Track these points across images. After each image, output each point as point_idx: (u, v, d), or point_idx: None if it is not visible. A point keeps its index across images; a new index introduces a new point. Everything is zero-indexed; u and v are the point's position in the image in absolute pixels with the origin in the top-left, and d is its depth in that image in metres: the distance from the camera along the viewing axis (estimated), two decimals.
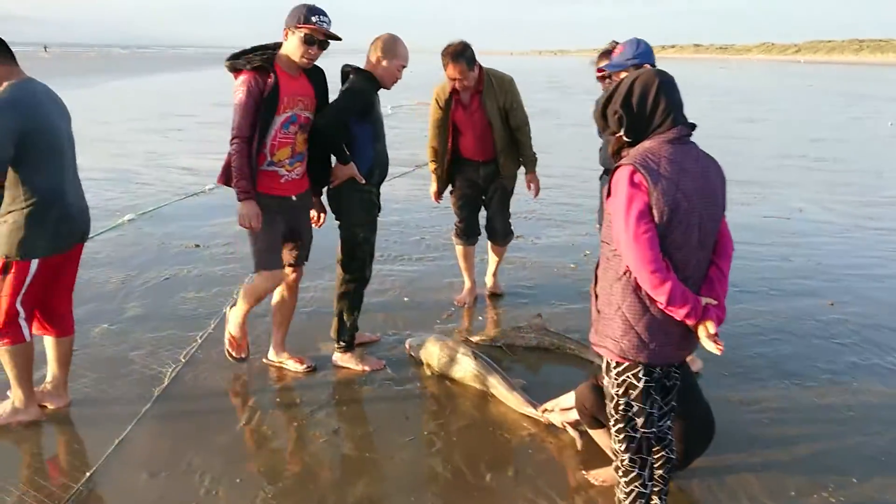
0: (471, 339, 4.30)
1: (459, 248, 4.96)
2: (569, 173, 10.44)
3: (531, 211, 7.79)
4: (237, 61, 3.41)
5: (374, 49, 3.77)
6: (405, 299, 5.08)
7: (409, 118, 17.89)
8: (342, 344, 4.01)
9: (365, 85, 3.72)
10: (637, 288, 2.23)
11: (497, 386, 3.60)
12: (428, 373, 3.89)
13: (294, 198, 3.63)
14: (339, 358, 4.03)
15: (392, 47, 3.75)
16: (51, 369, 3.49)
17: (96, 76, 36.87)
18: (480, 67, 4.53)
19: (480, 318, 4.79)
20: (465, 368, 3.74)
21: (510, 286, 5.33)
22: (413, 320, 4.66)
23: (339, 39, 3.57)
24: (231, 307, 3.88)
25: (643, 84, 2.25)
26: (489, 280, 5.21)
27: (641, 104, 2.24)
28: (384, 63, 3.74)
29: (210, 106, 20.88)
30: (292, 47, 3.45)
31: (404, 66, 3.84)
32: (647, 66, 3.48)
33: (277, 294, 3.91)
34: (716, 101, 27.01)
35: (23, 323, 3.19)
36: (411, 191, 8.83)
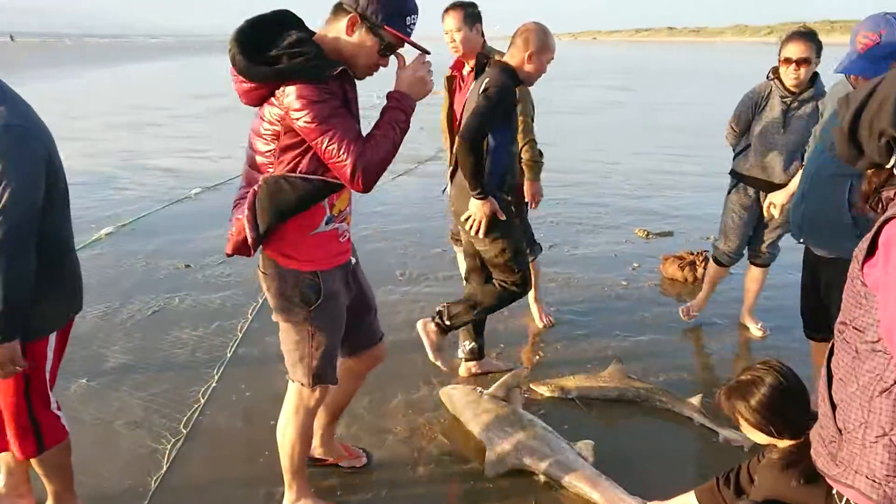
0: (535, 388, 3.53)
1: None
2: (583, 168, 9.69)
3: (556, 214, 7.03)
4: (293, 63, 2.05)
5: (524, 42, 3.16)
6: None
7: None
8: (445, 324, 3.36)
9: (509, 84, 3.13)
10: None
11: (576, 481, 2.73)
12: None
13: (353, 259, 2.56)
14: (425, 328, 3.40)
15: (545, 40, 3.17)
16: (3, 464, 2.58)
17: (67, 67, 35.42)
18: (484, 42, 3.80)
19: (539, 356, 4.01)
20: (521, 449, 2.89)
21: (559, 312, 4.56)
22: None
23: (428, 53, 2.31)
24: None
25: None
26: (534, 308, 4.43)
27: None
28: (536, 59, 3.17)
29: (187, 98, 19.82)
30: (360, 49, 2.15)
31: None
32: None
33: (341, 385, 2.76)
34: (711, 84, 26.42)
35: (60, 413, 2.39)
36: (420, 191, 8.03)
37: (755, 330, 4.31)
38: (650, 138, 12.71)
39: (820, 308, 3.03)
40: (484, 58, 3.53)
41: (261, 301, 4.66)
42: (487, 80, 3.14)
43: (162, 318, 4.43)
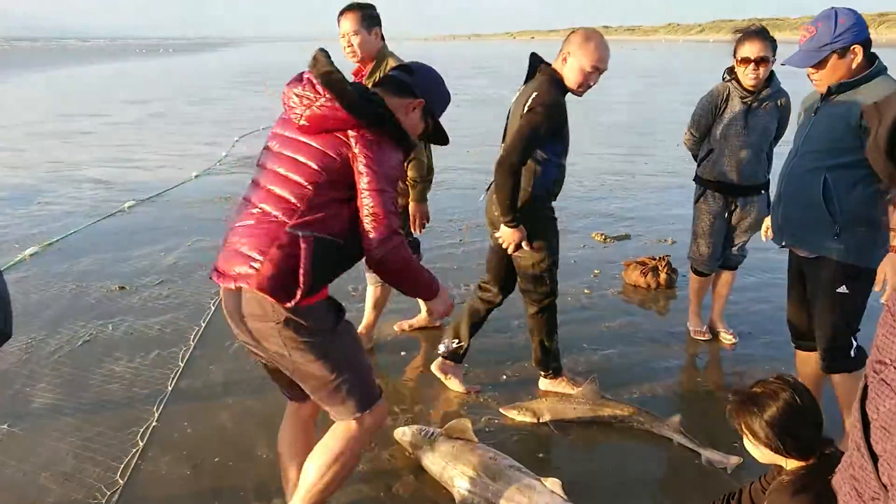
0: (506, 413, 3.31)
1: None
2: None
3: None
4: (390, 116, 2.12)
5: (564, 44, 3.11)
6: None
7: None
8: (550, 371, 3.54)
9: (556, 97, 3.08)
10: None
11: None
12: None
13: None
14: (549, 384, 3.55)
15: (582, 43, 3.07)
16: None
17: None
18: (383, 47, 3.61)
19: (506, 375, 3.79)
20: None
21: (522, 326, 4.35)
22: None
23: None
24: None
25: None
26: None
27: None
28: (570, 63, 3.10)
29: (120, 103, 19.03)
30: (412, 129, 2.30)
31: (601, 71, 3.17)
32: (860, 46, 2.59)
33: (290, 430, 2.54)
34: (651, 83, 26.79)
35: None
36: None
37: (725, 336, 4.18)
38: (598, 138, 12.67)
39: (807, 315, 2.93)
40: (382, 61, 3.46)
41: (203, 325, 4.33)
42: (535, 94, 3.00)
43: (94, 349, 4.04)
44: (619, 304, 4.79)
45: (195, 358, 3.94)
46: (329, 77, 2.07)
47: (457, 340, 3.52)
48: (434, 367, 3.62)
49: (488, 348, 4.07)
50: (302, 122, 2.08)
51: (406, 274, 2.20)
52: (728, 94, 3.73)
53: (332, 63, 2.13)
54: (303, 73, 2.16)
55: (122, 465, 2.94)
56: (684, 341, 4.23)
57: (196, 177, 8.80)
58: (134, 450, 3.05)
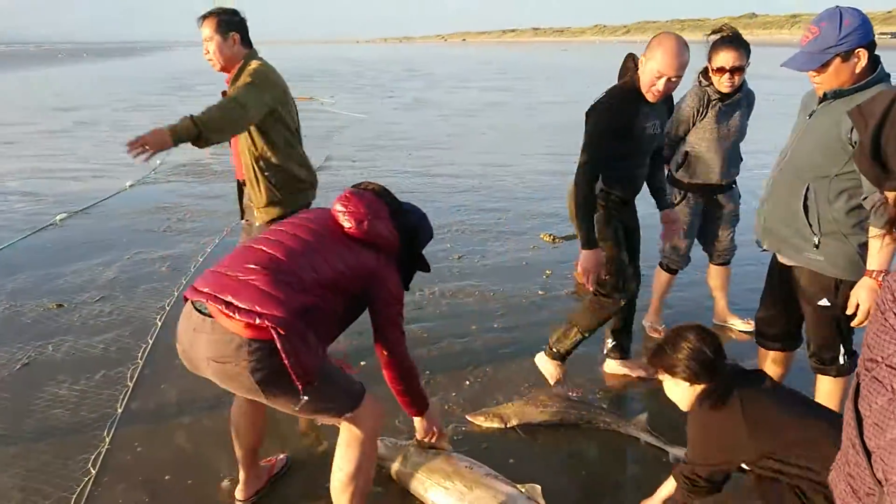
0: (472, 420, 3.27)
1: None
2: (478, 171, 9.57)
3: (459, 222, 6.84)
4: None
5: (649, 51, 3.05)
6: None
7: None
8: (554, 351, 3.55)
9: (608, 104, 3.12)
10: None
11: None
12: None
13: None
14: (543, 361, 3.62)
15: (654, 47, 3.02)
16: None
17: None
18: (248, 53, 3.36)
19: (468, 381, 3.75)
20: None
21: (481, 330, 4.34)
22: None
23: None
24: None
25: None
26: None
27: None
28: (643, 67, 3.08)
29: (47, 111, 18.24)
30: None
31: (668, 77, 3.02)
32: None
33: (242, 415, 2.63)
34: (584, 83, 27.26)
35: None
36: None
37: (741, 325, 4.31)
38: (536, 139, 12.81)
39: (778, 318, 2.96)
40: (245, 67, 3.26)
41: (151, 342, 4.16)
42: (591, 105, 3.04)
43: (34, 373, 3.82)
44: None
45: (145, 377, 3.77)
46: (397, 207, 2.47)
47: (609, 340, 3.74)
48: (617, 365, 3.76)
49: (448, 354, 4.03)
50: (353, 229, 2.26)
51: (407, 376, 2.45)
52: (707, 100, 3.79)
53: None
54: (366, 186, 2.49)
55: (75, 496, 2.78)
56: (640, 339, 4.28)
57: (131, 186, 8.48)
58: (86, 478, 2.89)
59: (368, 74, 35.98)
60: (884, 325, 1.40)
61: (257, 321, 1.97)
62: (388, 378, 2.42)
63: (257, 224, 3.43)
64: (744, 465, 2.22)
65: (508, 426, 3.22)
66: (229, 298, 2.02)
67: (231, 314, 1.99)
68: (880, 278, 2.50)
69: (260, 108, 3.15)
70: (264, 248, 2.17)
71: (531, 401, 3.35)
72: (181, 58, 70.44)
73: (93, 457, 3.03)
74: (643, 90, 3.08)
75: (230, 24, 3.30)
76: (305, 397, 2.09)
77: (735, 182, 4.07)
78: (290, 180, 3.41)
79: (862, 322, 2.56)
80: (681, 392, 2.29)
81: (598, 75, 32.59)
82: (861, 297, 2.54)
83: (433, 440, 2.72)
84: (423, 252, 2.57)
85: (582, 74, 33.90)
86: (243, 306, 2.00)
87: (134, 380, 3.71)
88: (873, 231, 2.49)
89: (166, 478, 2.91)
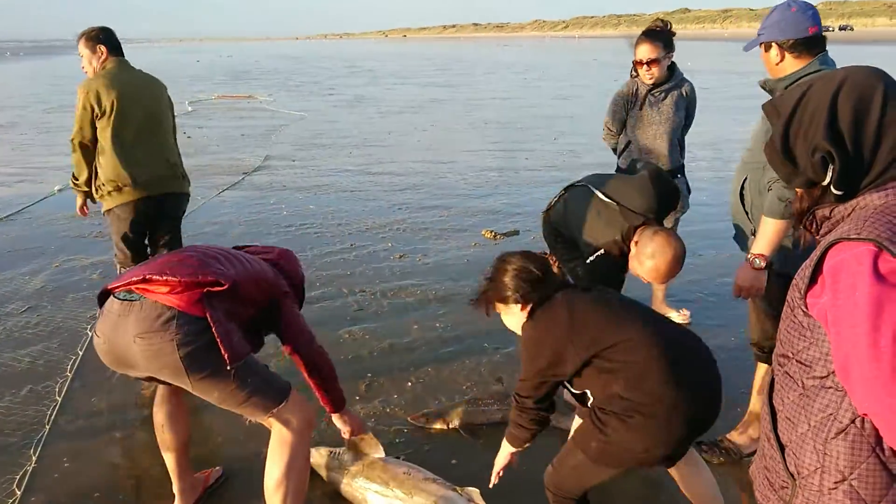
0: (414, 422, 3.25)
1: None
2: (418, 169, 9.54)
3: (400, 220, 6.81)
4: None
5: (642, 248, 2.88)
6: None
7: (213, 115, 16.03)
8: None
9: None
10: (879, 447, 1.32)
11: None
12: None
13: None
14: None
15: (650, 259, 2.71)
16: None
17: None
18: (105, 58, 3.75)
19: (410, 382, 3.72)
20: None
21: (423, 329, 4.32)
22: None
23: None
24: None
25: (858, 94, 1.33)
26: None
27: (859, 130, 1.32)
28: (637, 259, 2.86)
29: None
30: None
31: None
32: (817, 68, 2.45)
33: (166, 416, 2.60)
34: (524, 79, 27.48)
35: None
36: (250, 206, 7.45)
37: (677, 317, 4.37)
38: (477, 135, 12.84)
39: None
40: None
41: (81, 353, 4.01)
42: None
43: None
44: None
45: (74, 390, 3.63)
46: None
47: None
48: None
49: (390, 354, 4.00)
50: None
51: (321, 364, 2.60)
52: (636, 90, 3.97)
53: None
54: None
55: None
56: None
57: (59, 191, 8.14)
58: (11, 500, 2.76)
59: (308, 71, 35.54)
60: (793, 322, 1.43)
61: (199, 278, 2.14)
62: (304, 373, 2.54)
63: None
64: (569, 386, 2.24)
65: (451, 427, 3.21)
66: (166, 275, 2.14)
67: (172, 278, 2.12)
68: (755, 262, 2.58)
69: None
70: (185, 251, 2.35)
71: (473, 401, 3.34)
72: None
73: (17, 477, 2.90)
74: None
75: (96, 38, 3.72)
76: (232, 381, 2.14)
77: (682, 172, 4.15)
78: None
79: (736, 297, 2.71)
80: (517, 320, 2.28)
81: (535, 71, 32.93)
82: (737, 275, 2.65)
83: (354, 437, 2.75)
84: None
85: (520, 70, 34.14)
86: (185, 273, 2.14)
87: (62, 394, 3.57)
88: (768, 219, 2.54)
89: (96, 495, 2.81)
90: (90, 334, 4.25)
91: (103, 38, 3.74)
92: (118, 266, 3.78)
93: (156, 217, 3.75)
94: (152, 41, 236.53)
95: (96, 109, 3.55)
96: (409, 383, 3.70)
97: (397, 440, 3.14)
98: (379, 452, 2.74)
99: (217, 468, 2.89)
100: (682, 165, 4.15)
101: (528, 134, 12.76)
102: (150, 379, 2.32)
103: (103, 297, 2.31)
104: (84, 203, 3.81)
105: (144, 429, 3.24)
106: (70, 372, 3.80)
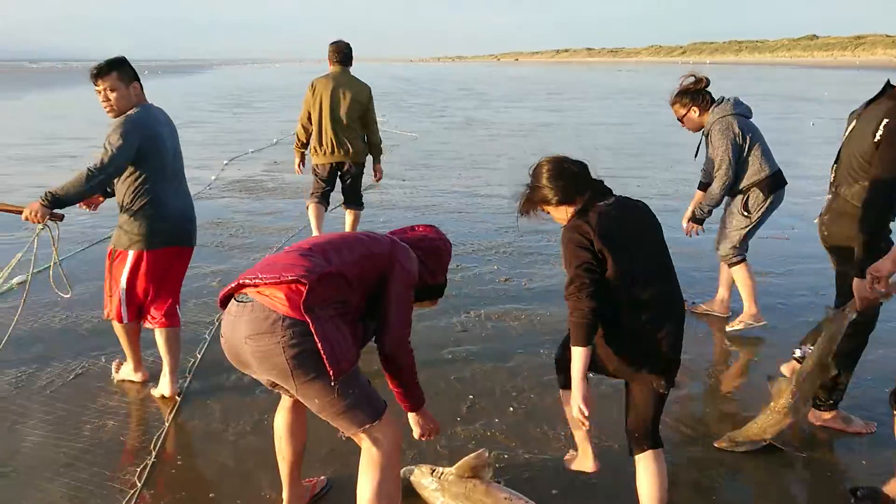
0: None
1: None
2: None
3: (507, 244, 6.81)
4: None
5: None
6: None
7: None
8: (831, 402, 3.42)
9: None
10: None
11: None
12: None
13: None
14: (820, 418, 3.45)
15: None
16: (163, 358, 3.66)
17: None
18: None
19: (512, 407, 3.69)
20: None
21: (528, 354, 4.29)
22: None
23: None
24: None
25: None
26: None
27: None
28: None
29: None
30: None
31: None
32: None
33: (285, 426, 2.68)
34: (638, 104, 27.05)
35: (125, 308, 3.59)
36: None
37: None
38: (588, 160, 12.66)
39: None
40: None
41: (200, 356, 4.23)
42: (886, 120, 2.91)
43: (87, 382, 3.93)
44: None
45: (192, 391, 3.83)
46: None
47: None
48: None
49: (492, 378, 3.99)
50: None
51: (404, 355, 2.46)
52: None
53: None
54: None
55: None
56: (691, 368, 4.17)
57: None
58: (132, 491, 2.93)
59: (421, 93, 36.32)
60: None
61: (283, 277, 2.19)
62: (384, 364, 2.46)
63: None
64: None
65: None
66: (258, 276, 2.24)
67: (261, 282, 2.22)
68: None
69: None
70: (291, 248, 2.41)
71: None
72: (224, 76, 72.26)
73: (139, 470, 3.07)
74: None
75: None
76: (333, 390, 2.19)
77: (740, 192, 4.54)
78: None
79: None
80: (559, 215, 2.54)
81: (652, 97, 32.26)
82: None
83: (430, 437, 2.70)
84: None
85: (635, 96, 33.58)
86: (270, 276, 2.22)
87: (182, 394, 3.77)
88: None
89: (210, 495, 2.93)
90: (208, 338, 4.49)
91: (333, 53, 6.00)
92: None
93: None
94: (274, 61, 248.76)
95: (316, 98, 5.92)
96: (511, 408, 3.67)
97: (497, 465, 3.11)
98: (487, 475, 2.73)
99: (322, 478, 2.96)
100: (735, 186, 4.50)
101: (640, 160, 12.51)
102: (273, 385, 2.41)
103: (225, 301, 2.41)
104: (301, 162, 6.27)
105: (255, 433, 3.38)
106: (189, 373, 4.01)
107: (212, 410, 3.63)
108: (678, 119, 4.60)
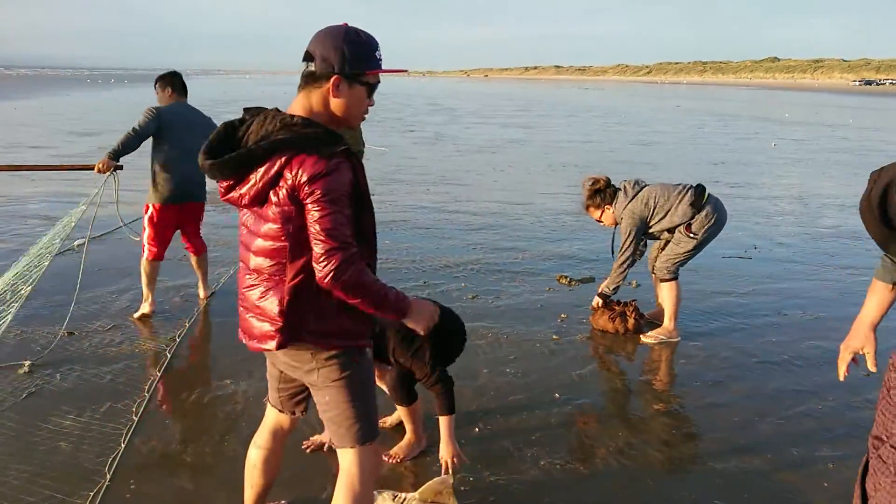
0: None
1: None
2: (494, 209, 9.55)
3: (475, 260, 6.79)
4: (303, 133, 2.00)
5: None
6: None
7: None
8: None
9: None
10: None
11: None
12: None
13: None
14: None
15: None
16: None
17: None
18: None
19: (478, 428, 3.65)
20: None
21: (493, 374, 4.26)
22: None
23: (405, 71, 2.48)
24: None
25: None
26: None
27: None
28: None
29: (66, 135, 18.56)
30: (352, 101, 2.10)
31: None
32: None
33: (261, 458, 2.56)
34: (604, 122, 27.39)
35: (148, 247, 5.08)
36: None
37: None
38: (556, 178, 12.80)
39: None
40: None
41: (159, 374, 4.12)
42: None
43: (40, 401, 3.79)
44: (588, 351, 4.73)
45: (150, 411, 3.72)
46: (207, 165, 2.04)
47: None
48: None
49: (458, 397, 3.94)
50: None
51: (367, 293, 2.02)
52: None
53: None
54: None
55: None
56: (657, 389, 4.19)
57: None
58: None
59: (390, 107, 36.33)
60: (888, 403, 1.34)
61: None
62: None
63: None
64: None
65: None
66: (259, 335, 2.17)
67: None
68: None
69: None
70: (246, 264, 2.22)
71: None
72: (205, 85, 71.63)
73: (92, 493, 2.97)
74: None
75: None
76: (351, 392, 2.16)
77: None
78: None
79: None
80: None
81: (619, 115, 32.71)
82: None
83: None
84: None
85: (602, 114, 33.99)
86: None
87: (139, 414, 3.67)
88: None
89: None
90: (169, 355, 4.38)
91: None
92: None
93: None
94: (247, 73, 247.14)
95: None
96: (477, 429, 3.64)
97: (462, 488, 3.07)
98: (446, 501, 2.69)
99: (283, 502, 2.89)
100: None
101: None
102: (280, 378, 2.39)
103: None
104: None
105: (214, 455, 3.30)
106: (147, 392, 3.91)
107: (170, 431, 3.54)
108: (597, 220, 5.04)
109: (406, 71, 2.27)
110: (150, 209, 5.11)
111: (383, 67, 2.12)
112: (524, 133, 22.50)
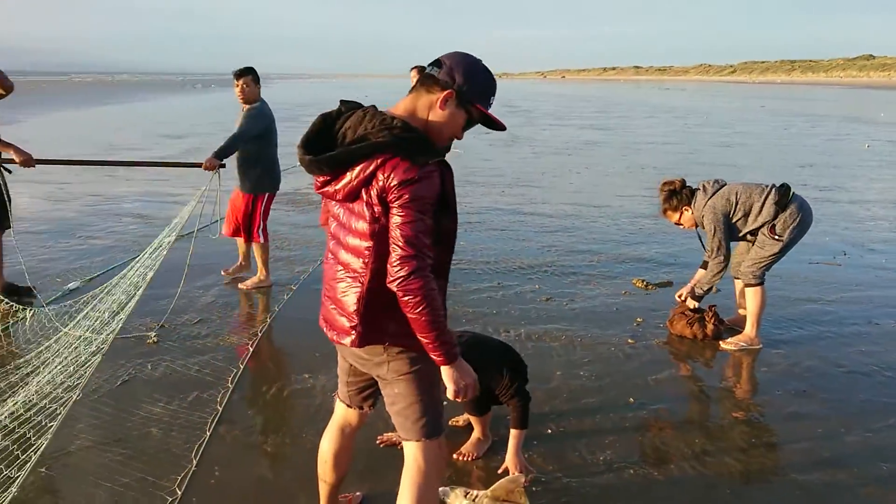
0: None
1: None
2: (570, 212, 9.47)
3: (549, 263, 6.76)
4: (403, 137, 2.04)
5: None
6: None
7: None
8: None
9: None
10: None
11: None
12: None
13: None
14: None
15: None
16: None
17: (36, 106, 34.66)
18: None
19: (549, 430, 3.66)
20: None
21: (566, 377, 4.24)
22: None
23: (504, 129, 2.29)
24: None
25: None
26: None
27: None
28: None
29: (159, 137, 19.44)
30: (450, 121, 2.15)
31: None
32: None
33: (332, 452, 2.63)
34: (685, 123, 26.73)
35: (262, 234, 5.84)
36: None
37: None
38: (633, 180, 12.58)
39: None
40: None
41: (242, 367, 4.29)
42: None
43: (133, 389, 4.01)
44: (664, 356, 4.65)
45: (233, 402, 3.88)
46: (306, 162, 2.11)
47: None
48: None
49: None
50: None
51: (424, 312, 2.01)
52: None
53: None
54: None
55: None
56: (736, 396, 4.08)
57: None
58: (171, 499, 2.98)
59: None
60: None
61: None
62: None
63: None
64: None
65: None
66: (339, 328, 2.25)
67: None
68: None
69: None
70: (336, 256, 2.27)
71: None
72: (285, 89, 73.53)
73: (180, 477, 3.13)
74: None
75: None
76: (420, 386, 2.22)
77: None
78: None
79: None
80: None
81: (700, 115, 31.83)
82: None
83: (465, 399, 2.30)
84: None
85: (683, 114, 33.16)
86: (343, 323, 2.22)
87: (223, 404, 3.83)
88: None
89: None
90: (251, 349, 4.56)
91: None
92: None
93: None
94: (309, 76, 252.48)
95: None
96: (549, 430, 3.63)
97: (534, 488, 3.08)
98: (518, 500, 2.70)
99: (358, 493, 2.98)
100: None
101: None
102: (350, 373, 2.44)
103: None
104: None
105: (293, 446, 3.42)
106: (231, 384, 4.07)
107: (252, 422, 3.68)
108: (676, 224, 4.98)
109: (505, 128, 2.21)
110: (266, 199, 5.84)
111: (492, 112, 2.18)
112: (601, 135, 22.19)
